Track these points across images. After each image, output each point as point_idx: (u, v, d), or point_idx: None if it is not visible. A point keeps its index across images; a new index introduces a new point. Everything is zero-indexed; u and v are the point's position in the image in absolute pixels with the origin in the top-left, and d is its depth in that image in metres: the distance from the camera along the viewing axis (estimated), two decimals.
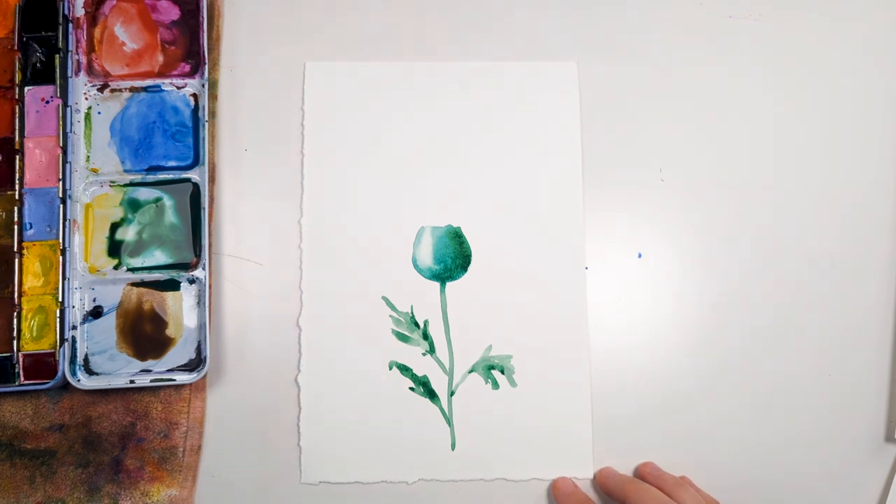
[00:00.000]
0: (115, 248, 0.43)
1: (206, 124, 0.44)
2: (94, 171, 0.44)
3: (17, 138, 0.43)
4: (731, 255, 0.45)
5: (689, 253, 0.45)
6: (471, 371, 0.44)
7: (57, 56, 0.43)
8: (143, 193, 0.44)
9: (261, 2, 0.46)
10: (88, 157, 0.44)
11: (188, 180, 0.44)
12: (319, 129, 0.45)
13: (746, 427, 0.44)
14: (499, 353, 0.44)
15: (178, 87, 0.45)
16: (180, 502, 0.42)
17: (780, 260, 0.45)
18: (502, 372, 0.44)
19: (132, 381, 0.42)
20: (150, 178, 0.44)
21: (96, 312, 0.43)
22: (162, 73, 0.45)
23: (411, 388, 0.44)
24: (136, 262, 0.43)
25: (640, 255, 0.45)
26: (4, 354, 0.42)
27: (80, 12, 0.45)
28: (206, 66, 0.44)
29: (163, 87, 0.45)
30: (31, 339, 0.42)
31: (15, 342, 0.42)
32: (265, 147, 0.45)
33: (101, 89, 0.44)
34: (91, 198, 0.44)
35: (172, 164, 0.44)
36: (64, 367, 0.41)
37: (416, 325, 0.44)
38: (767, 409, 0.44)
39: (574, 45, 0.47)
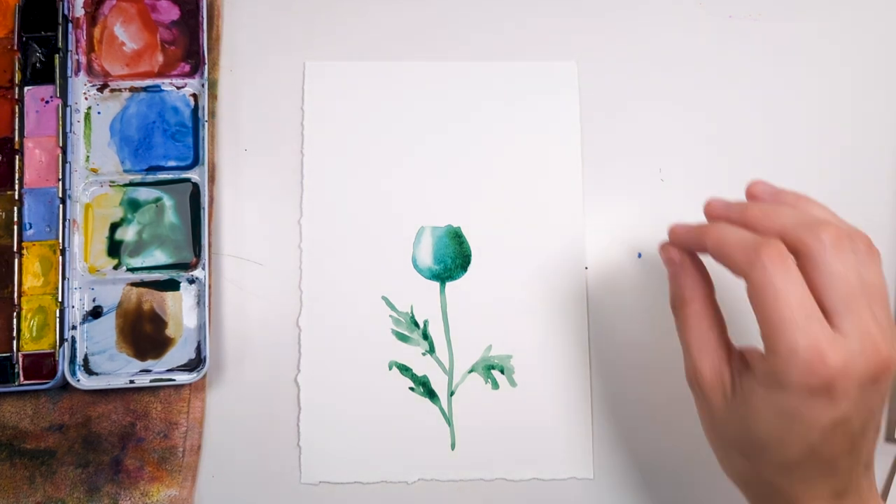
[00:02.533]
0: (114, 248, 0.43)
1: (206, 124, 0.44)
2: (94, 171, 0.44)
3: (16, 138, 0.43)
4: None
5: None
6: (470, 371, 0.44)
7: (57, 56, 0.43)
8: (143, 193, 0.44)
9: (261, 2, 0.46)
10: (88, 157, 0.44)
11: (188, 180, 0.44)
12: (319, 129, 0.45)
13: None
14: (499, 353, 0.44)
15: (178, 87, 0.45)
16: (180, 502, 0.42)
17: None
18: (502, 372, 0.44)
19: (132, 381, 0.42)
20: (150, 178, 0.44)
21: (96, 312, 0.43)
22: (162, 73, 0.45)
23: (411, 388, 0.44)
24: (136, 262, 0.43)
25: (639, 255, 0.45)
26: (4, 354, 0.42)
27: (79, 12, 0.45)
28: (206, 66, 0.44)
29: (162, 87, 0.44)
30: (30, 339, 0.42)
31: (14, 342, 0.42)
32: (265, 147, 0.45)
33: (100, 89, 0.44)
34: (91, 198, 0.44)
35: (172, 164, 0.44)
36: (63, 367, 0.41)
37: (416, 324, 0.44)
38: None
39: (574, 45, 0.47)
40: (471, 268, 0.45)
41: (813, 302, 0.30)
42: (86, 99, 0.44)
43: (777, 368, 0.30)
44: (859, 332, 0.30)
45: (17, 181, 0.43)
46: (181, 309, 0.43)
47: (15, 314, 0.42)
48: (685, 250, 0.35)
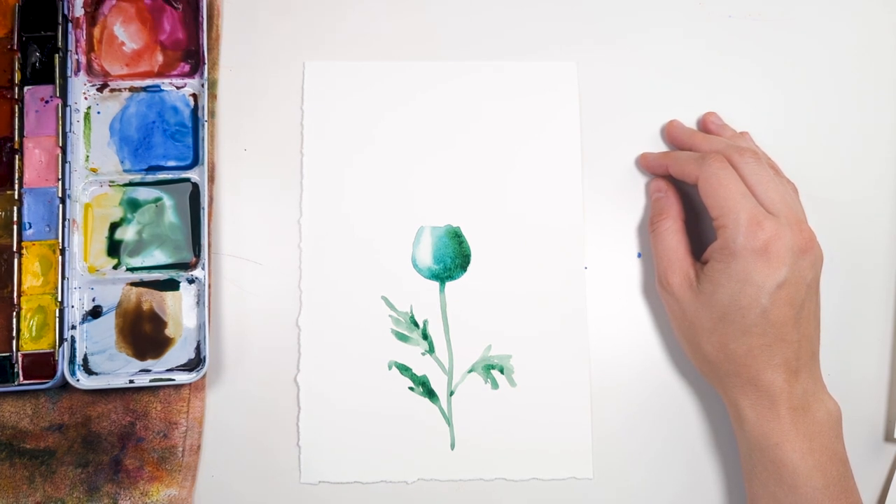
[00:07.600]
0: (114, 248, 0.43)
1: (206, 124, 0.44)
2: (94, 170, 0.44)
3: (16, 138, 0.43)
4: None
5: None
6: (470, 371, 0.44)
7: (56, 56, 0.43)
8: (143, 193, 0.44)
9: (261, 1, 0.46)
10: (88, 156, 0.44)
11: (188, 180, 0.44)
12: (319, 129, 0.45)
13: None
14: (498, 353, 0.44)
15: (178, 87, 0.45)
16: (180, 502, 0.42)
17: None
18: (502, 372, 0.44)
19: (131, 381, 0.42)
20: (150, 177, 0.44)
21: (95, 312, 0.43)
22: (161, 73, 0.45)
23: (411, 388, 0.44)
24: (136, 261, 0.43)
25: (639, 255, 0.45)
26: (4, 354, 0.42)
27: (79, 12, 0.45)
28: (206, 66, 0.44)
29: (162, 87, 0.44)
30: (30, 338, 0.42)
31: (14, 342, 0.42)
32: (265, 147, 0.45)
33: (100, 89, 0.44)
34: (90, 197, 0.44)
35: (172, 163, 0.44)
36: (63, 366, 0.41)
37: (416, 324, 0.44)
38: None
39: (574, 45, 0.47)
40: (470, 268, 0.45)
41: (747, 189, 0.39)
42: (85, 99, 0.44)
43: (727, 239, 0.39)
44: (785, 215, 0.39)
45: (16, 181, 0.43)
46: (181, 309, 0.43)
47: (15, 314, 0.42)
48: (668, 182, 0.44)
